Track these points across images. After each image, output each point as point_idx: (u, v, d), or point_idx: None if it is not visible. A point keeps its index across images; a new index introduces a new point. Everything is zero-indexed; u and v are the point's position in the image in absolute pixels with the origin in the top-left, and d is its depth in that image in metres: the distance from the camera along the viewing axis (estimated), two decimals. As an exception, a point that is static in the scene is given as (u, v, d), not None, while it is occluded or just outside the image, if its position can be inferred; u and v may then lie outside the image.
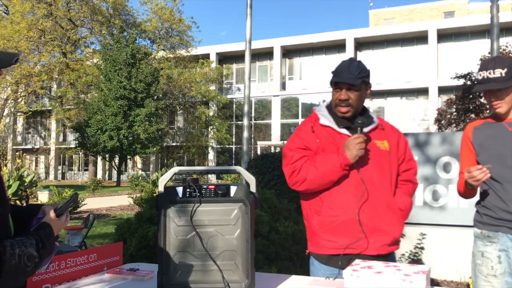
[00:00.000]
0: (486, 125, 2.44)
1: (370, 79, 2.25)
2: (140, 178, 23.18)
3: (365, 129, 2.19)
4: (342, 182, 2.15)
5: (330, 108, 2.28)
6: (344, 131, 2.19)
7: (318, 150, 2.18)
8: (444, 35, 29.89)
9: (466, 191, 2.41)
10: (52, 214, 1.42)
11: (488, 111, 18.76)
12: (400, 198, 2.25)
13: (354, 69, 2.17)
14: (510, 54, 18.22)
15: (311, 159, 2.17)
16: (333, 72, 2.22)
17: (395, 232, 2.20)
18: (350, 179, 2.15)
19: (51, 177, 39.81)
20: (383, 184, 2.19)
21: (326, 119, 2.23)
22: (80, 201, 11.77)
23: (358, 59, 2.30)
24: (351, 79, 2.15)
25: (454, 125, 20.67)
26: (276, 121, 33.37)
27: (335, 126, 2.20)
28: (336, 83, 2.19)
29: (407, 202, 2.26)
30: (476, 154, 2.42)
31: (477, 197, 2.49)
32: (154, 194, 12.54)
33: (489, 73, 2.26)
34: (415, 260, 5.30)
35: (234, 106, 35.34)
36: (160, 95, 30.33)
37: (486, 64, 2.31)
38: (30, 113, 35.73)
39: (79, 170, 38.86)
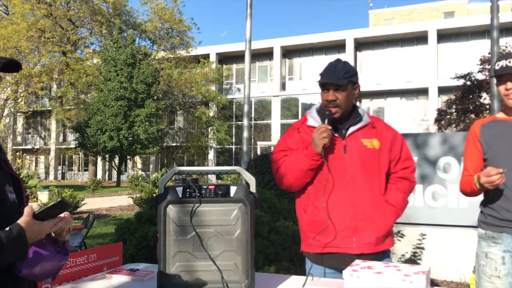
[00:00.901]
0: (494, 122, 2.42)
1: (357, 79, 2.27)
2: (140, 178, 23.18)
3: (351, 129, 2.21)
4: (315, 178, 2.20)
5: (320, 110, 2.30)
6: None
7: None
8: (444, 35, 29.89)
9: (474, 191, 2.38)
10: (28, 215, 1.27)
11: (488, 111, 18.76)
12: (393, 195, 2.25)
13: (340, 69, 2.20)
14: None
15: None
16: (320, 74, 2.25)
17: (379, 230, 2.18)
18: (319, 175, 2.19)
19: (51, 177, 39.80)
20: (369, 182, 2.19)
21: (313, 120, 2.26)
22: (80, 201, 11.77)
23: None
24: (337, 79, 2.18)
25: (454, 125, 20.67)
26: (276, 121, 33.37)
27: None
28: (323, 84, 2.22)
29: (399, 198, 2.25)
30: (483, 152, 2.39)
31: (481, 197, 2.47)
32: (154, 194, 12.53)
33: (509, 62, 2.28)
34: (415, 260, 5.30)
35: (234, 106, 35.34)
36: (160, 96, 30.35)
37: (505, 55, 2.34)
38: (30, 113, 35.74)
39: (79, 170, 38.86)
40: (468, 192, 2.44)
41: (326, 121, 2.16)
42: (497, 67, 2.32)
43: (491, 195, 2.36)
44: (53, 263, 1.37)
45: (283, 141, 2.32)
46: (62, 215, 1.36)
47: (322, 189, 2.16)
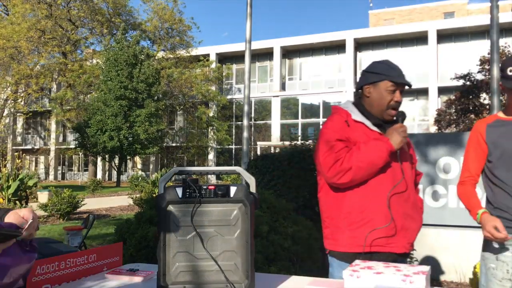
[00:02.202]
0: (499, 122, 2.35)
1: None
2: (140, 178, 23.18)
3: None
4: (378, 176, 2.10)
5: (357, 106, 2.24)
6: (375, 129, 2.15)
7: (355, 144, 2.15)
8: (444, 36, 29.90)
9: (470, 213, 2.37)
10: None
11: (488, 111, 18.76)
12: (418, 197, 2.30)
13: None
14: (509, 55, 18.25)
15: (352, 149, 2.10)
16: (388, 73, 2.16)
17: (418, 230, 2.22)
18: (385, 174, 2.10)
19: (51, 177, 39.80)
20: (412, 181, 2.20)
21: (358, 116, 2.18)
22: (80, 202, 11.76)
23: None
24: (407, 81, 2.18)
25: (454, 125, 20.70)
26: (276, 122, 33.38)
27: (367, 123, 2.16)
28: (396, 84, 2.14)
29: (421, 200, 2.32)
30: (489, 152, 2.33)
31: (482, 197, 2.44)
32: (154, 195, 12.53)
33: None
34: (415, 260, 5.29)
35: (234, 106, 35.35)
36: (160, 96, 30.36)
37: None
38: (30, 113, 35.72)
39: (79, 171, 38.86)
40: (465, 206, 2.40)
41: (400, 120, 2.15)
42: (509, 73, 2.23)
43: (498, 196, 2.30)
44: (22, 267, 1.32)
45: (338, 131, 2.14)
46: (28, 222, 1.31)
47: (381, 186, 2.09)
